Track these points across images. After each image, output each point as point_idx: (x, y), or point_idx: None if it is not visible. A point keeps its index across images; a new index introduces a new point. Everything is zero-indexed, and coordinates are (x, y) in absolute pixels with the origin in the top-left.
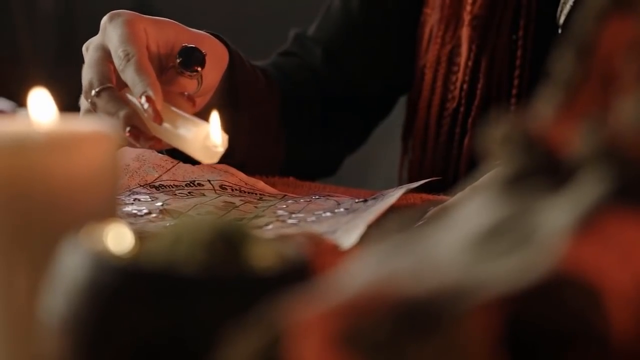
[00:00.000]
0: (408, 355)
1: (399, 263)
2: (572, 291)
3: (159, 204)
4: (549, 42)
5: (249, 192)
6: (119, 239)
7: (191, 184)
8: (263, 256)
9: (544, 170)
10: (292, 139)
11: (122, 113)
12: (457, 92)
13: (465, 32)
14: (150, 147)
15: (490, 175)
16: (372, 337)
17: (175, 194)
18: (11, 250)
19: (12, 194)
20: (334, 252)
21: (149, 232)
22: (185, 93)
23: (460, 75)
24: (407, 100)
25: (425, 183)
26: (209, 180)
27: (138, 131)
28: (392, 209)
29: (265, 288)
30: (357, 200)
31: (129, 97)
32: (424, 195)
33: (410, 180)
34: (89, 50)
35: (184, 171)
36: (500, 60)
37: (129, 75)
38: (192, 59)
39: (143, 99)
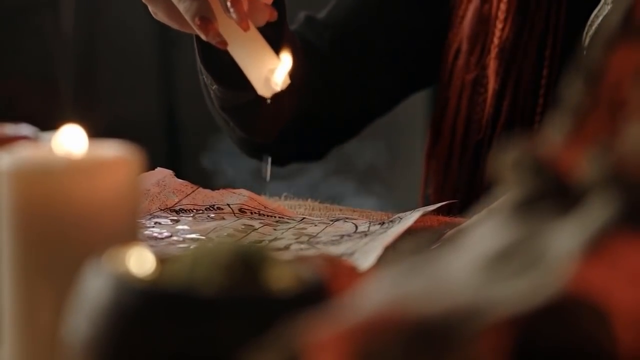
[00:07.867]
0: None
1: (412, 284)
2: (581, 312)
3: (180, 227)
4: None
5: (267, 215)
6: (140, 261)
7: (211, 208)
8: (280, 278)
9: (553, 194)
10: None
11: (196, 2)
12: (483, 116)
13: (492, 64)
14: (217, 44)
15: (506, 198)
16: (386, 357)
17: (195, 218)
18: (34, 272)
19: (36, 217)
20: (352, 274)
21: (170, 254)
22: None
23: (487, 98)
24: (430, 122)
25: (443, 205)
26: (228, 205)
27: (209, 23)
28: (410, 231)
29: (283, 309)
30: (375, 223)
31: None
32: (441, 218)
33: (434, 201)
34: None
35: (203, 196)
36: (527, 79)
37: None
38: None
39: (229, 2)
